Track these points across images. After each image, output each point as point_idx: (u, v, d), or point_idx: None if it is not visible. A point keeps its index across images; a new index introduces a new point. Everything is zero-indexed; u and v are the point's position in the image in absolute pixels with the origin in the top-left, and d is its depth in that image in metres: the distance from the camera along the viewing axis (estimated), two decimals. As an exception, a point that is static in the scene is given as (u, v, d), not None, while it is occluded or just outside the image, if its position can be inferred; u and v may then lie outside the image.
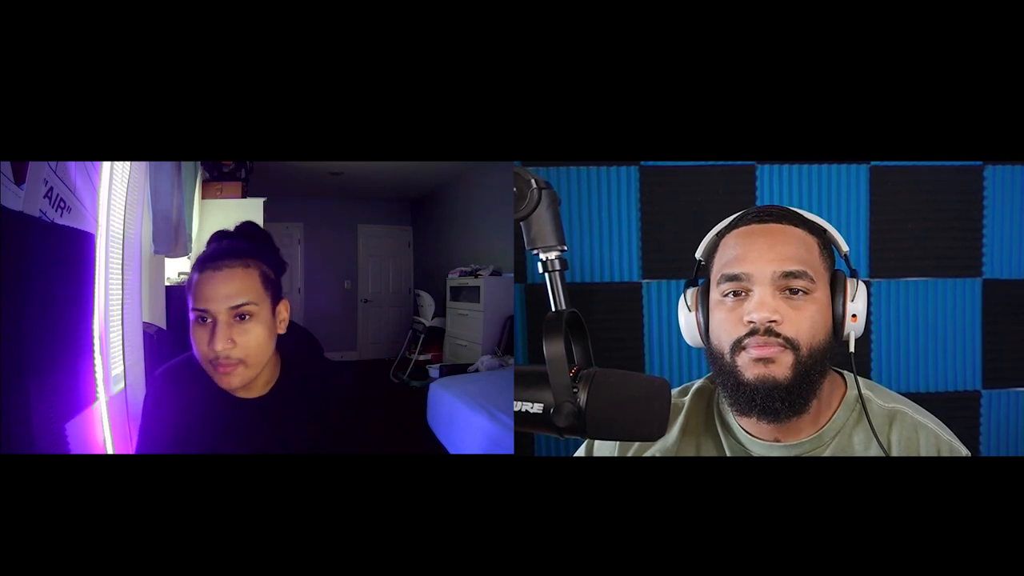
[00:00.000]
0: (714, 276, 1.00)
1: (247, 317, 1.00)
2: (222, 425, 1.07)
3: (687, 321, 1.03)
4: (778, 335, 0.91)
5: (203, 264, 1.02)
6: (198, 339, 0.99)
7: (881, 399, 1.01)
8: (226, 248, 1.04)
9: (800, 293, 0.93)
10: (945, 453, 0.97)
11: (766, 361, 0.91)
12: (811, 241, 0.97)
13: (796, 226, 0.98)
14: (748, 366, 0.93)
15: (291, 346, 1.11)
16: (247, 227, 1.13)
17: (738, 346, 0.93)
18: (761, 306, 0.91)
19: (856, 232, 1.66)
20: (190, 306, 1.01)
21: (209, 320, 0.98)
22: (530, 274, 1.71)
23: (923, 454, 0.97)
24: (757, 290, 0.93)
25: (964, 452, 0.98)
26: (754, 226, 0.99)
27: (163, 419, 1.09)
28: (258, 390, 1.08)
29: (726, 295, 0.96)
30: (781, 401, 0.92)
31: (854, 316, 0.95)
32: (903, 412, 1.00)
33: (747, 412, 0.95)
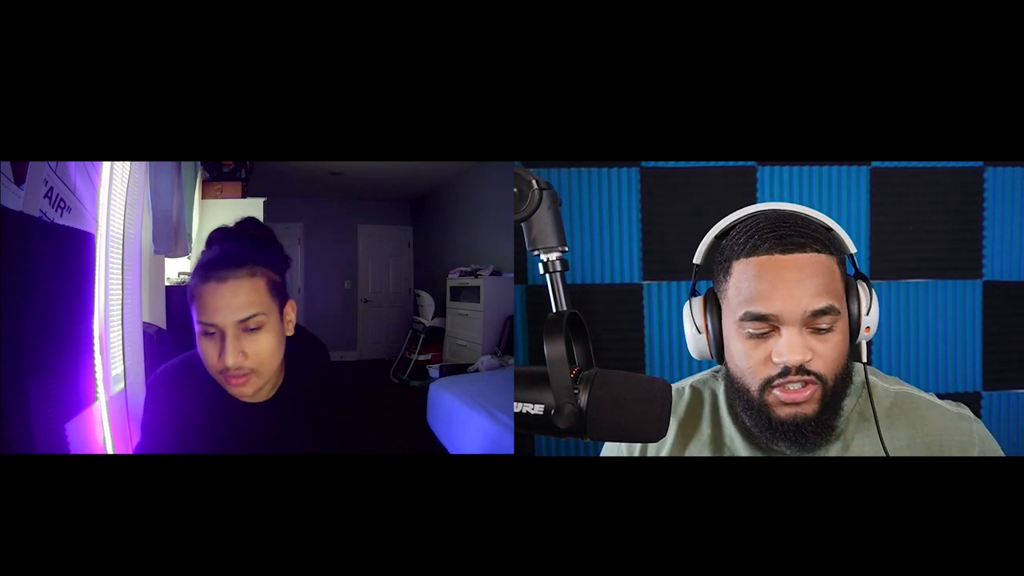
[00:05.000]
0: (732, 305, 0.95)
1: (256, 329, 0.97)
2: (225, 429, 1.06)
3: (696, 342, 1.01)
4: (809, 372, 0.91)
5: (206, 272, 0.96)
6: (207, 352, 0.96)
7: (886, 383, 1.03)
8: (228, 254, 0.99)
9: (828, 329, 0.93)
10: (954, 425, 0.98)
11: (798, 403, 0.92)
12: (831, 264, 0.94)
13: (818, 251, 0.93)
14: (779, 406, 0.93)
15: (298, 351, 1.09)
16: (247, 225, 1.09)
17: (768, 386, 0.93)
18: (793, 349, 0.90)
19: (857, 234, 1.66)
20: (195, 318, 0.97)
21: (217, 334, 0.95)
22: (530, 275, 1.71)
23: (936, 431, 0.98)
24: (786, 331, 0.91)
25: (971, 416, 0.99)
26: (777, 257, 0.92)
27: (164, 423, 1.07)
28: (263, 395, 1.06)
29: (748, 330, 0.93)
30: (812, 432, 0.94)
31: (868, 328, 0.96)
32: (909, 394, 1.01)
33: (775, 443, 0.96)
